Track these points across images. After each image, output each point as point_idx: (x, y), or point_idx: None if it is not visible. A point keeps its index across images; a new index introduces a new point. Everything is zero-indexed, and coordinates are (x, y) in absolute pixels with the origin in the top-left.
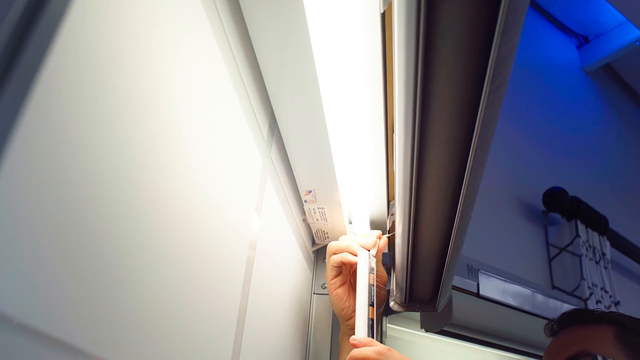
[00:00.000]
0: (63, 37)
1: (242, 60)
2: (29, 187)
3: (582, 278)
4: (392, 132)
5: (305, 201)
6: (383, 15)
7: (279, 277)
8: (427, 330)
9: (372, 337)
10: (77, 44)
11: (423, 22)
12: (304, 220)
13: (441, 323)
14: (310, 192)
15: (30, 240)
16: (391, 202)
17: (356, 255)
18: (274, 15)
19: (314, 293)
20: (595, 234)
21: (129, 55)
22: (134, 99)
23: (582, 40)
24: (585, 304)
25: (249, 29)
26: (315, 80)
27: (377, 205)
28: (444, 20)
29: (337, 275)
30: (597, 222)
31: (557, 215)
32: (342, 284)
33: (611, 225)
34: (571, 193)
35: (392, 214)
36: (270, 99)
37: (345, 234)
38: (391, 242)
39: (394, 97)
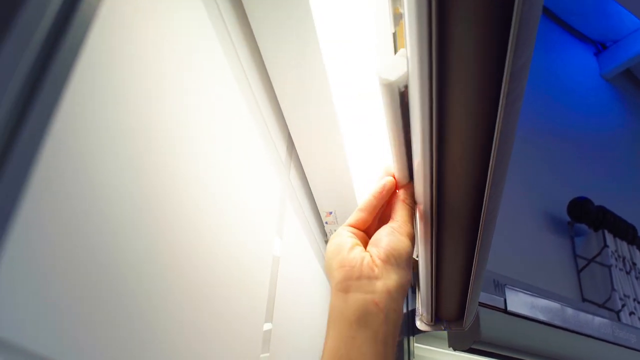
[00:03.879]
0: (80, 67)
1: (258, 85)
2: (51, 213)
3: (613, 289)
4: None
5: (326, 222)
6: (394, 35)
7: (303, 299)
8: (455, 349)
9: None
10: (91, 78)
11: (435, 43)
12: (326, 242)
13: (469, 341)
14: (330, 213)
15: (50, 277)
16: None
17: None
18: (287, 40)
19: None
20: (624, 243)
21: (144, 85)
22: (151, 128)
23: (600, 47)
24: (618, 316)
25: (262, 54)
26: (330, 102)
27: None
28: (455, 39)
29: (353, 224)
30: (625, 231)
31: (584, 226)
32: (350, 232)
33: None
34: (596, 202)
35: None
36: (287, 123)
37: None
38: (415, 262)
39: (410, 117)
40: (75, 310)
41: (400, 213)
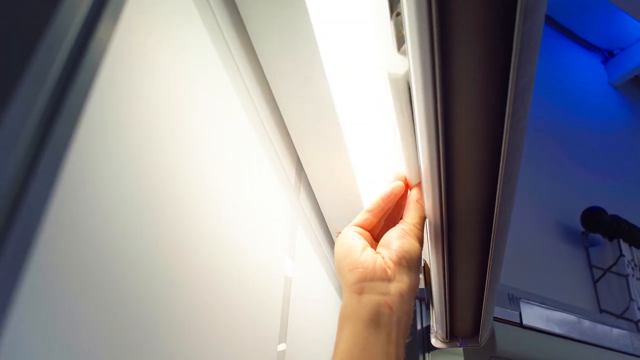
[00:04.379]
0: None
1: (265, 111)
2: (67, 248)
3: (631, 299)
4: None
5: None
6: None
7: (317, 319)
8: None
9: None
10: (101, 116)
11: (438, 66)
12: None
13: (485, 357)
14: (341, 233)
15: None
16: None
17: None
18: (293, 67)
19: None
20: None
21: (153, 119)
22: (162, 157)
23: (607, 55)
24: (637, 327)
25: (269, 81)
26: (337, 124)
27: None
28: (457, 63)
29: (360, 224)
30: None
31: (598, 236)
32: (357, 232)
33: None
34: (610, 211)
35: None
36: (295, 146)
37: None
38: (427, 277)
39: (416, 136)
40: (86, 325)
41: (411, 214)
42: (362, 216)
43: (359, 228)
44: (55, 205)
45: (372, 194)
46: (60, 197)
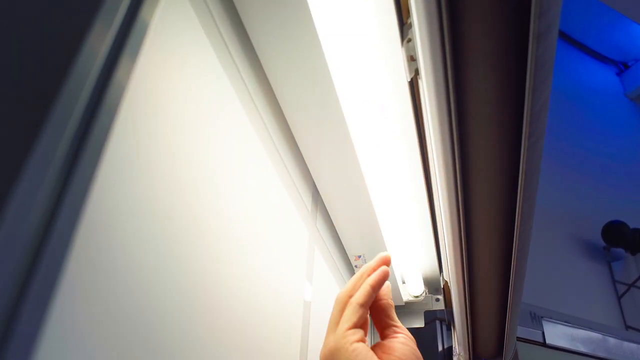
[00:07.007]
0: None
1: (280, 140)
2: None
3: None
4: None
5: (356, 266)
6: (411, 82)
7: None
8: None
9: None
10: (121, 155)
11: (452, 89)
12: None
13: None
14: (359, 257)
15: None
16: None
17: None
18: (305, 93)
19: None
20: None
21: (174, 154)
22: (183, 197)
23: (622, 67)
24: None
25: (282, 109)
26: (352, 149)
27: (428, 261)
28: (471, 83)
29: (357, 324)
30: None
31: (620, 250)
32: (361, 339)
33: None
34: (632, 225)
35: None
36: (311, 172)
37: (399, 294)
38: (447, 298)
39: (433, 160)
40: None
41: (394, 315)
42: (357, 313)
43: (361, 331)
44: (78, 247)
45: (361, 285)
46: (82, 237)
